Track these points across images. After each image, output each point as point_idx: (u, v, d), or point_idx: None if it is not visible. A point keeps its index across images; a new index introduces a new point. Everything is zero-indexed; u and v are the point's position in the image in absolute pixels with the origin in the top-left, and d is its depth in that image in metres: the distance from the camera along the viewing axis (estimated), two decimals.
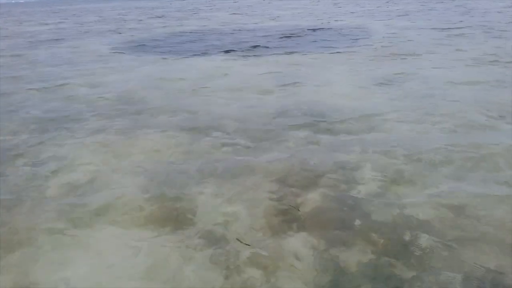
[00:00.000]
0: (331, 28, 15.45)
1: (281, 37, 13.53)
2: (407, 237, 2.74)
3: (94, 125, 5.19)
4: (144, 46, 12.76)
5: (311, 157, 4.02)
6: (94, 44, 13.79)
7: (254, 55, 10.31)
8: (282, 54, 10.30)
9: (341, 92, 6.35)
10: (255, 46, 11.79)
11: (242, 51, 11.17)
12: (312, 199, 3.27)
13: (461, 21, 15.30)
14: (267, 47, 11.55)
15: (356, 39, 12.29)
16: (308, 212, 3.10)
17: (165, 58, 10.44)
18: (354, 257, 2.57)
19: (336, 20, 18.68)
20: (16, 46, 14.34)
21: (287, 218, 3.04)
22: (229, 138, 4.59)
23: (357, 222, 2.94)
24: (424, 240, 2.68)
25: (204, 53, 11.06)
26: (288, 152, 4.18)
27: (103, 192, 3.50)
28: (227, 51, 11.19)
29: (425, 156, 3.92)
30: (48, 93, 7.08)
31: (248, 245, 2.76)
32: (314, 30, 15.28)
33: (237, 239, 2.82)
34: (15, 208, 3.29)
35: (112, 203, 3.30)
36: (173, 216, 3.12)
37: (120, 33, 17.34)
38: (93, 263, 2.63)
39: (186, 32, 16.68)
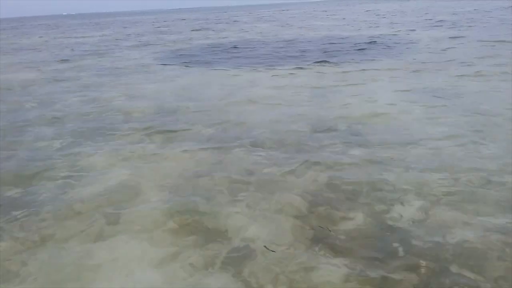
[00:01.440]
0: (372, 38, 15.10)
1: (320, 49, 13.35)
2: (453, 268, 2.48)
3: (128, 136, 5.22)
4: (183, 58, 12.97)
5: (346, 174, 3.82)
6: (135, 55, 14.18)
7: (290, 67, 10.20)
8: (319, 66, 10.13)
9: (380, 106, 6.09)
10: (292, 57, 11.70)
11: (279, 62, 11.09)
12: (345, 219, 3.09)
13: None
14: (305, 59, 11.41)
15: (397, 51, 11.90)
16: (341, 233, 2.91)
17: (201, 69, 10.54)
18: (390, 285, 2.36)
19: (376, 30, 18.27)
20: (61, 56, 15.00)
21: (318, 238, 2.87)
22: (261, 152, 4.47)
23: (395, 247, 2.72)
24: (470, 274, 2.42)
25: (241, 65, 11.07)
26: (321, 168, 3.99)
27: (134, 203, 3.47)
28: (264, 63, 11.15)
29: (473, 177, 3.61)
30: (87, 102, 7.26)
31: (274, 251, 2.70)
32: (356, 42, 14.99)
33: (264, 246, 2.78)
34: (46, 214, 3.31)
35: (142, 215, 3.25)
36: (200, 231, 3.03)
37: (160, 44, 17.78)
38: (117, 275, 2.57)
39: (225, 43, 16.85)
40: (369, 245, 2.76)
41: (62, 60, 13.67)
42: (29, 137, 5.33)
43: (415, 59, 10.08)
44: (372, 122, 5.28)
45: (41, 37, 27.38)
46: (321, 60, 10.81)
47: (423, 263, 2.54)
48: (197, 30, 26.78)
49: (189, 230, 3.05)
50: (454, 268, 2.48)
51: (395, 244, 2.75)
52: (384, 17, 28.91)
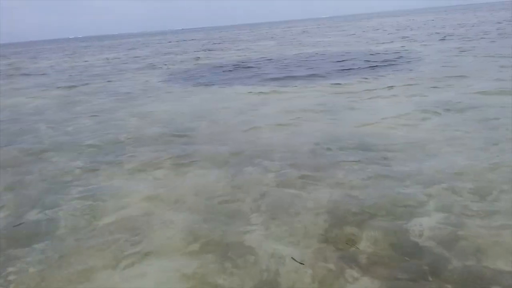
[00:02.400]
0: (379, 54, 15.18)
1: (331, 65, 13.40)
2: None
3: (143, 157, 5.23)
4: (191, 78, 13.09)
5: (364, 191, 3.79)
6: (143, 77, 14.34)
7: (300, 84, 10.24)
8: (329, 82, 10.16)
9: (393, 120, 6.08)
10: (303, 75, 11.75)
11: (288, 79, 11.15)
12: (367, 238, 3.04)
13: None
14: (315, 76, 11.46)
15: (410, 65, 11.94)
16: (363, 253, 2.87)
17: (210, 89, 10.62)
18: None
19: (383, 45, 18.37)
20: (71, 78, 15.21)
21: (340, 258, 2.82)
22: (277, 170, 4.45)
23: (422, 269, 2.66)
24: None
25: (249, 83, 11.15)
26: (339, 185, 3.97)
27: (150, 225, 3.45)
28: (272, 80, 11.22)
29: (496, 194, 3.55)
30: (101, 123, 7.31)
31: (302, 263, 2.68)
32: (365, 56, 15.07)
33: (292, 258, 2.76)
34: (68, 239, 3.29)
35: (159, 238, 3.23)
36: (222, 252, 2.99)
37: (167, 66, 17.98)
38: None
39: (231, 62, 17.01)
40: (394, 265, 2.70)
41: (71, 84, 13.84)
42: (45, 162, 5.36)
43: (428, 73, 10.07)
44: (387, 138, 5.25)
45: (49, 60, 27.83)
46: (332, 76, 10.87)
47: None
48: (202, 50, 27.10)
49: (212, 252, 3.01)
50: None
51: (422, 265, 2.69)
52: (392, 32, 29.11)
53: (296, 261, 2.73)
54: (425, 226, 3.12)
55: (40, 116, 8.47)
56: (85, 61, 25.01)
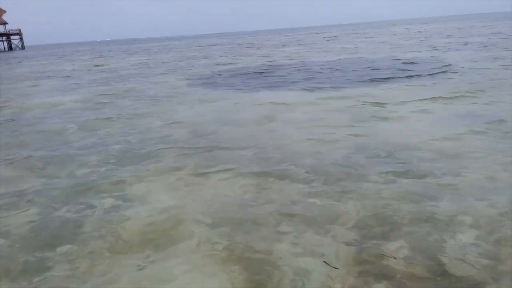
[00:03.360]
0: (410, 61, 14.90)
1: (357, 72, 13.25)
2: None
3: (168, 161, 5.24)
4: (215, 82, 13.16)
5: (394, 203, 3.67)
6: (168, 80, 14.51)
7: (326, 89, 10.14)
8: (357, 88, 10.02)
9: (425, 130, 5.91)
10: (329, 81, 11.64)
11: (314, 84, 11.07)
12: (397, 252, 2.94)
13: None
14: (341, 82, 11.34)
15: (438, 72, 11.66)
16: (392, 266, 2.77)
17: (235, 93, 10.63)
18: None
19: (410, 53, 18.05)
20: (99, 81, 15.52)
21: (371, 271, 2.73)
22: (303, 178, 4.38)
23: (451, 284, 2.53)
24: None
25: (274, 88, 11.12)
26: (368, 196, 3.87)
27: (179, 232, 3.43)
28: (298, 85, 11.15)
29: None
30: (127, 127, 7.40)
31: (337, 268, 2.65)
32: (395, 64, 14.83)
33: (324, 262, 2.73)
34: (94, 243, 3.31)
35: (184, 245, 3.21)
36: (249, 260, 2.95)
37: (192, 69, 18.15)
38: None
39: (257, 68, 17.03)
40: (425, 283, 2.59)
41: (99, 85, 14.12)
42: (74, 163, 5.44)
43: (465, 83, 9.78)
44: (421, 150, 5.09)
45: (73, 63, 28.57)
46: (359, 83, 10.72)
47: None
48: (227, 55, 27.28)
49: (238, 259, 2.97)
50: None
51: (455, 285, 2.56)
52: (414, 39, 28.62)
53: (330, 265, 2.69)
54: (459, 243, 2.99)
55: (69, 118, 8.63)
56: (111, 64, 25.53)
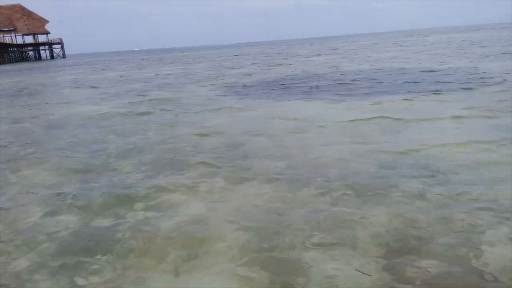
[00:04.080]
0: (436, 71, 14.56)
1: (391, 81, 13.08)
2: None
3: (200, 171, 5.35)
4: (246, 91, 13.30)
5: (424, 215, 3.63)
6: (202, 89, 14.79)
7: (358, 99, 10.06)
8: (391, 97, 9.90)
9: (456, 141, 5.78)
10: (359, 88, 11.56)
11: (345, 94, 11.00)
12: (426, 265, 2.89)
13: None
14: (371, 91, 11.22)
15: (469, 83, 11.34)
16: (422, 277, 2.73)
17: (265, 103, 10.72)
18: None
19: (447, 63, 17.61)
20: (135, 89, 16.03)
21: (402, 280, 2.71)
22: (332, 189, 4.38)
23: None
24: None
25: (305, 97, 11.13)
26: (397, 207, 3.84)
27: (209, 239, 3.51)
28: (329, 95, 11.12)
29: None
30: (160, 136, 7.62)
31: (370, 275, 2.65)
32: (424, 72, 14.54)
33: (357, 270, 2.73)
34: (129, 248, 3.44)
35: (215, 255, 3.26)
36: (279, 269, 2.99)
37: (224, 78, 18.43)
38: None
39: (289, 77, 17.09)
40: None
41: (135, 95, 14.59)
42: (110, 170, 5.65)
43: (498, 94, 9.49)
44: (453, 161, 4.99)
45: (115, 72, 29.58)
46: (393, 93, 10.58)
47: None
48: (258, 64, 27.49)
49: (267, 266, 3.02)
50: None
51: None
52: (450, 48, 27.87)
53: (362, 272, 2.68)
54: (493, 255, 2.91)
55: (105, 126, 8.97)
56: (146, 73, 26.29)
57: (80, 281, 3.04)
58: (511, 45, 25.40)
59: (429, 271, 2.81)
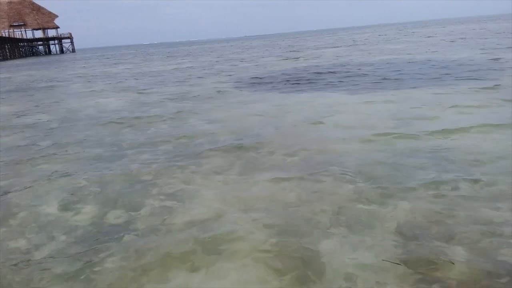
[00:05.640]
0: (445, 61, 14.34)
1: (396, 71, 12.93)
2: None
3: (215, 162, 5.32)
4: (258, 84, 13.24)
5: (446, 206, 3.56)
6: (211, 82, 14.75)
7: (371, 91, 9.94)
8: (400, 89, 9.76)
9: (474, 133, 5.68)
10: (372, 82, 11.43)
11: (360, 86, 10.89)
12: (449, 255, 2.84)
13: None
14: (383, 82, 11.09)
15: (479, 74, 11.15)
16: (445, 275, 2.66)
17: (278, 94, 10.65)
18: None
19: (462, 53, 17.35)
20: (144, 84, 16.05)
21: (425, 272, 2.66)
22: (349, 182, 4.30)
23: None
24: None
25: (318, 88, 11.04)
26: (417, 197, 3.77)
27: (226, 231, 3.47)
28: (343, 86, 11.02)
29: None
30: (173, 126, 7.61)
31: (400, 264, 2.68)
32: (431, 63, 14.33)
33: (383, 260, 2.77)
34: (147, 239, 3.43)
35: (232, 247, 3.23)
36: (297, 262, 2.95)
37: (234, 71, 18.36)
38: None
39: (300, 69, 16.98)
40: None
41: (145, 87, 14.61)
42: (125, 160, 5.66)
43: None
44: (471, 153, 4.89)
45: (125, 65, 29.68)
46: (410, 84, 10.45)
47: None
48: (269, 56, 27.36)
49: (285, 258, 2.98)
50: None
51: None
52: (467, 40, 27.45)
53: (392, 262, 2.70)
54: None
55: (119, 117, 8.99)
56: (157, 66, 26.32)
57: (96, 268, 3.04)
58: None
59: (453, 263, 2.75)
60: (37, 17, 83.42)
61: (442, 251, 2.91)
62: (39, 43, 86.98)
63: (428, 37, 35.08)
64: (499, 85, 9.19)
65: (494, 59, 14.09)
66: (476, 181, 4.05)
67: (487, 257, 2.80)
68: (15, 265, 3.19)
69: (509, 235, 3.04)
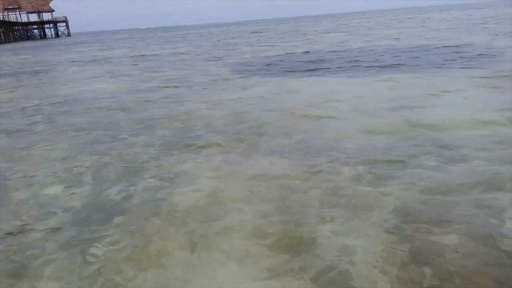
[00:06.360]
0: (445, 47, 14.30)
1: (393, 56, 12.89)
2: None
3: (213, 146, 5.32)
4: (256, 69, 13.16)
5: (442, 191, 3.59)
6: (210, 67, 14.65)
7: (366, 75, 9.92)
8: (398, 73, 9.75)
9: (469, 117, 5.72)
10: (367, 66, 11.40)
11: (353, 70, 10.86)
12: (445, 240, 2.87)
13: None
14: (381, 67, 11.07)
15: (476, 59, 11.13)
16: (445, 256, 2.70)
17: (277, 79, 10.62)
18: None
19: (448, 39, 17.27)
20: (144, 68, 15.93)
21: (417, 259, 2.69)
22: (348, 166, 4.32)
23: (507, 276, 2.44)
24: None
25: (315, 73, 11.01)
26: (415, 183, 3.78)
27: (220, 213, 3.50)
28: (338, 71, 10.99)
29: None
30: (171, 112, 7.59)
31: (404, 251, 2.69)
32: (427, 49, 14.28)
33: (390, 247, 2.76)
34: (145, 220, 3.45)
35: (230, 228, 3.25)
36: (291, 245, 2.98)
37: (232, 56, 18.24)
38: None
39: (296, 53, 16.88)
40: (485, 273, 2.52)
41: (144, 72, 14.50)
42: (123, 144, 5.65)
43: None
44: (469, 138, 4.91)
45: (120, 50, 29.39)
46: (409, 69, 10.42)
47: None
48: (266, 42, 27.14)
49: (283, 244, 3.00)
50: None
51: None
52: (469, 25, 27.28)
53: (397, 248, 2.72)
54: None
55: (116, 102, 8.94)
56: (154, 50, 26.08)
57: (94, 251, 3.05)
58: None
59: (446, 245, 2.78)
60: (32, 0, 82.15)
61: (438, 235, 2.93)
62: (34, 26, 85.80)
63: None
64: None
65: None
66: (473, 165, 4.08)
67: (483, 243, 2.82)
68: (10, 245, 3.21)
69: (500, 219, 3.07)
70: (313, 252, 2.85)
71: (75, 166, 4.88)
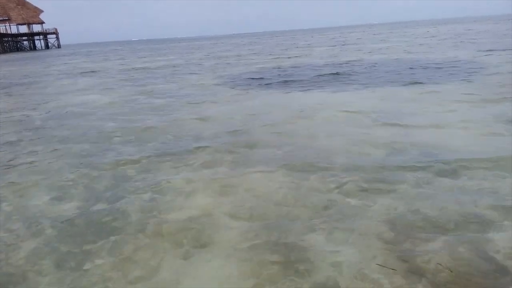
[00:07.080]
0: (437, 62, 14.56)
1: (385, 71, 13.07)
2: None
3: (204, 158, 5.32)
4: (247, 80, 13.24)
5: (431, 204, 3.63)
6: (200, 79, 14.70)
7: (359, 90, 10.04)
8: (388, 87, 9.88)
9: (458, 131, 5.80)
10: (362, 81, 11.54)
11: (347, 84, 10.98)
12: (434, 252, 2.90)
13: None
14: (370, 80, 11.21)
15: (467, 73, 11.35)
16: (428, 266, 2.73)
17: (267, 91, 10.69)
18: None
19: (443, 54, 17.60)
20: (134, 80, 15.91)
21: (407, 269, 2.71)
22: (337, 177, 4.36)
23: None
24: None
25: (305, 86, 11.10)
26: (404, 196, 3.82)
27: (214, 227, 3.49)
28: (331, 85, 11.10)
29: None
30: (162, 122, 7.59)
31: (394, 269, 2.68)
32: (419, 64, 14.52)
33: (378, 264, 2.76)
34: (136, 234, 3.43)
35: (219, 242, 3.25)
36: (284, 256, 2.98)
37: (223, 68, 18.33)
38: None
39: (285, 66, 17.03)
40: (475, 283, 2.55)
41: (134, 83, 14.48)
42: (113, 157, 5.62)
43: (490, 82, 9.52)
44: (457, 151, 4.98)
45: (111, 62, 29.35)
46: (396, 84, 10.58)
47: None
48: (256, 53, 27.36)
49: (273, 254, 3.01)
50: None
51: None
52: (453, 40, 27.82)
53: (387, 267, 2.71)
54: (501, 243, 2.92)
55: (106, 115, 8.91)
56: (145, 62, 26.10)
57: (86, 265, 3.03)
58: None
59: (435, 253, 2.80)
60: (22, 11, 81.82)
61: (426, 246, 2.97)
62: (23, 38, 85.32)
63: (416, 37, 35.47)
64: None
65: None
66: (459, 177, 4.14)
67: (473, 252, 2.86)
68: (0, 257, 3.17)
69: (489, 231, 3.12)
70: (303, 265, 2.85)
71: (68, 178, 4.86)
